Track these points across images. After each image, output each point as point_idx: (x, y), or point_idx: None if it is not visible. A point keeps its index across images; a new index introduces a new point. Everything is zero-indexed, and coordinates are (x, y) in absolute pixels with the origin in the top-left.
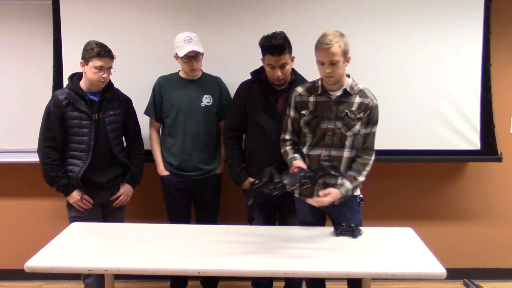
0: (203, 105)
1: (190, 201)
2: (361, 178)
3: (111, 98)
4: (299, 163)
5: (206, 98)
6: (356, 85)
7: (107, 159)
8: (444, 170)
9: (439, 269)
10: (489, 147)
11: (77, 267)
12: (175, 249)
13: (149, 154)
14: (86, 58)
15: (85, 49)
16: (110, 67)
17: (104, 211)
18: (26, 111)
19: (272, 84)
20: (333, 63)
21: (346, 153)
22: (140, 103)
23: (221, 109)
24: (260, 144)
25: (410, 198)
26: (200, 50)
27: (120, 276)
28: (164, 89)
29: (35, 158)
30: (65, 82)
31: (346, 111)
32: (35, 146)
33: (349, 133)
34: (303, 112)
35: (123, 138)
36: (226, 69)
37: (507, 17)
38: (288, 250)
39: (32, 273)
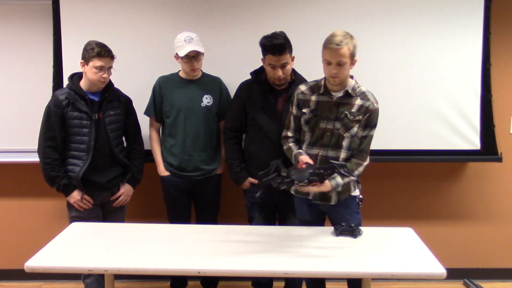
0: (203, 105)
1: (190, 201)
2: (352, 178)
3: (111, 98)
4: (306, 158)
5: (206, 98)
6: (358, 87)
7: (107, 159)
8: (444, 170)
9: (439, 269)
10: (489, 147)
11: (77, 267)
12: (175, 249)
13: (149, 154)
14: (86, 58)
15: (85, 49)
16: (110, 67)
17: (104, 211)
18: (26, 111)
19: (272, 84)
20: (340, 64)
21: (342, 154)
22: (140, 103)
23: (221, 109)
24: (260, 144)
25: (410, 198)
26: (201, 50)
27: (120, 276)
28: (164, 89)
29: (35, 158)
30: (65, 82)
31: (346, 112)
32: (35, 146)
33: (346, 134)
34: (304, 110)
35: (123, 138)
36: (226, 69)
37: (507, 17)
38: (288, 250)
39: (32, 273)
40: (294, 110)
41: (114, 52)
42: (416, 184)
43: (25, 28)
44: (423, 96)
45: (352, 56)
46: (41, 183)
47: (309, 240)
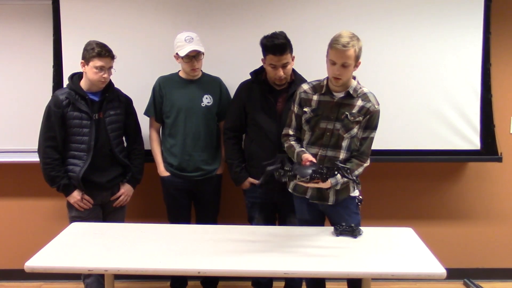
0: (203, 105)
1: (190, 201)
2: (353, 179)
3: (112, 98)
4: (310, 157)
5: (206, 98)
6: (360, 88)
7: (108, 159)
8: (444, 170)
9: (439, 269)
10: (489, 147)
11: (77, 267)
12: (175, 249)
13: (149, 154)
14: (86, 58)
15: (85, 49)
16: (110, 67)
17: (105, 211)
18: (26, 111)
19: (272, 84)
20: (344, 66)
21: (342, 155)
22: (140, 103)
23: (221, 109)
24: (259, 144)
25: (410, 198)
26: (201, 49)
27: (120, 276)
28: (164, 89)
29: (35, 158)
30: (65, 82)
31: (347, 113)
32: (35, 146)
33: (346, 135)
34: (305, 109)
35: (124, 138)
36: (226, 69)
37: (507, 17)
38: (288, 250)
39: (32, 273)
40: (296, 109)
41: (114, 52)
42: (416, 184)
43: (25, 28)
44: (423, 96)
45: (357, 58)
46: (41, 183)
47: (309, 240)
